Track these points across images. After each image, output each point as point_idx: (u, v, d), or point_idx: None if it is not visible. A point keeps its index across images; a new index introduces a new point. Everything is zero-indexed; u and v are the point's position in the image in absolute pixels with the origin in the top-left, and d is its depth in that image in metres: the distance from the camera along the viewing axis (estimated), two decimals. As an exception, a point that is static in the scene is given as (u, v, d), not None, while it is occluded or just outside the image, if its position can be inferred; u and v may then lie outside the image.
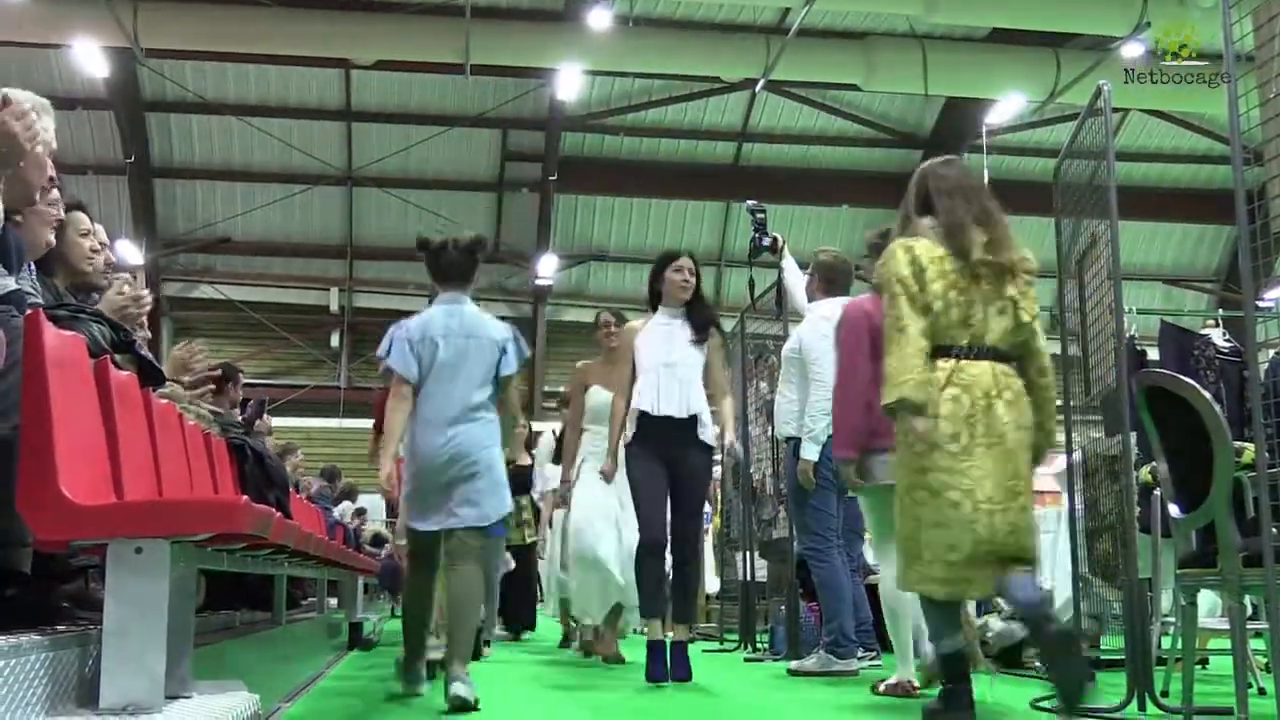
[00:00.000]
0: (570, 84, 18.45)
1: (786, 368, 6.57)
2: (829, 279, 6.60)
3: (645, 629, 5.92)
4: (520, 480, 8.82)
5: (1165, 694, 4.71)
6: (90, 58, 16.78)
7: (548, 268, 21.85)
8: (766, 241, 6.79)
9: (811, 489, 6.24)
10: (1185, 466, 4.12)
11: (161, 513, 2.76)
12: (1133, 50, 16.57)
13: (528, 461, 9.64)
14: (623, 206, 22.58)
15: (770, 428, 7.82)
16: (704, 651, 8.38)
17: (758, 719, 4.63)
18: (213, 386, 5.64)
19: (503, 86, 20.21)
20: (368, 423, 22.43)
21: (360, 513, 16.16)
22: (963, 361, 3.97)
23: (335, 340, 22.57)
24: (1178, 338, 6.33)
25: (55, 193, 3.56)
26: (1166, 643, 5.38)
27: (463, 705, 4.42)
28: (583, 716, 4.74)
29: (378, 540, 13.77)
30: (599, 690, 5.71)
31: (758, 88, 19.26)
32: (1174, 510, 4.17)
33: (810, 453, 6.22)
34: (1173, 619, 5.19)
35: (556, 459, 8.57)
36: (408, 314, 5.19)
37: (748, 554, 8.85)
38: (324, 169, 21.29)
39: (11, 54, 17.67)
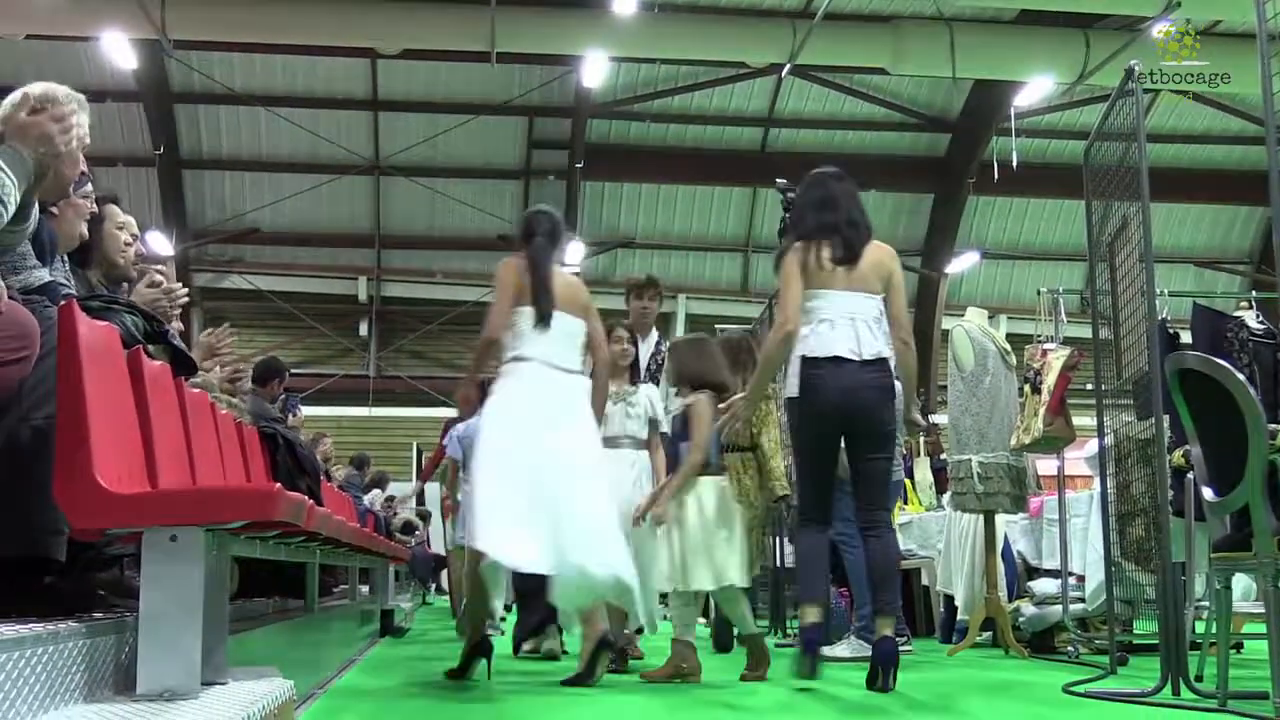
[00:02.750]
0: (596, 71, 18.40)
1: None
2: None
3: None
4: None
5: (1199, 679, 4.69)
6: (119, 50, 16.85)
7: (574, 255, 21.85)
8: None
9: (846, 476, 6.22)
10: (1219, 449, 4.09)
11: (196, 501, 2.78)
12: (1162, 30, 16.39)
13: None
14: (649, 193, 22.54)
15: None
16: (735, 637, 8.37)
17: (791, 706, 4.63)
18: (254, 380, 5.74)
19: (529, 74, 20.20)
20: (397, 411, 22.54)
21: (390, 500, 16.25)
22: None
23: (364, 329, 22.63)
24: (1210, 320, 6.26)
25: (89, 186, 3.59)
26: (1200, 627, 5.35)
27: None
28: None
29: (408, 528, 13.83)
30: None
31: (784, 72, 19.16)
32: (1208, 493, 4.14)
33: None
34: (1207, 603, 5.17)
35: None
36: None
37: (778, 540, 8.85)
38: (351, 158, 21.34)
39: (43, 47, 17.80)
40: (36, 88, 2.88)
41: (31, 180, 2.73)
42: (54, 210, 3.36)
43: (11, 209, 2.67)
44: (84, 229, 3.64)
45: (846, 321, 4.70)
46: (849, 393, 4.65)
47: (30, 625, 2.33)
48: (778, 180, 6.92)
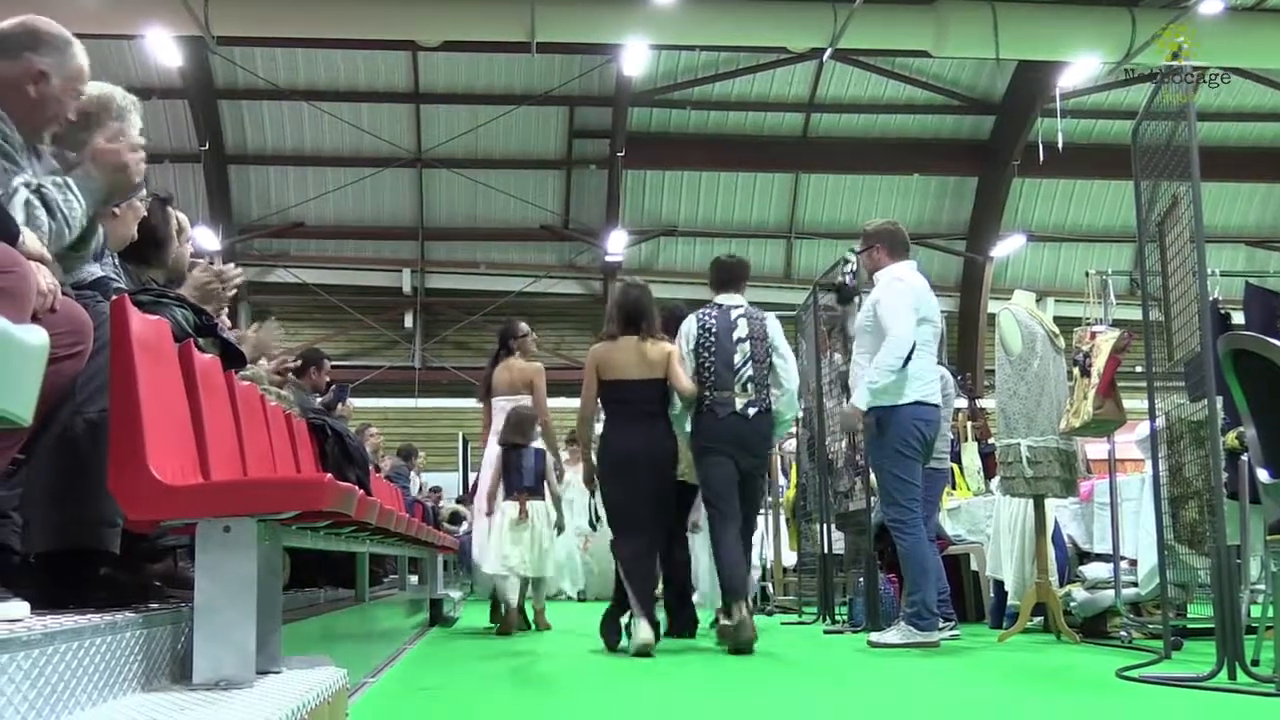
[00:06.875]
0: (636, 59, 18.38)
1: (860, 338, 6.52)
2: (893, 245, 6.70)
3: None
4: None
5: (1256, 663, 4.63)
6: (163, 47, 17.03)
7: (617, 244, 21.82)
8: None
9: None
10: (1273, 430, 4.04)
11: (248, 492, 2.80)
12: (1211, 7, 16.16)
13: None
14: (691, 181, 22.49)
15: (845, 399, 7.78)
16: (782, 624, 8.38)
17: (840, 692, 4.62)
18: (292, 371, 5.79)
19: (569, 63, 20.21)
20: (442, 402, 22.62)
21: (436, 490, 16.35)
22: None
23: (409, 321, 22.75)
24: (1263, 299, 6.18)
25: (144, 190, 3.62)
26: (1256, 611, 5.29)
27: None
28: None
29: (455, 518, 13.90)
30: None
31: (825, 57, 19.05)
32: (1263, 475, 4.09)
33: (861, 400, 6.33)
34: (1262, 586, 5.11)
35: None
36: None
37: (824, 526, 8.83)
38: (394, 151, 21.44)
39: (89, 46, 17.84)
40: (93, 89, 2.90)
41: (101, 205, 2.76)
42: (116, 212, 3.40)
43: (77, 230, 2.71)
44: (134, 230, 3.68)
45: None
46: None
47: (88, 616, 2.36)
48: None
